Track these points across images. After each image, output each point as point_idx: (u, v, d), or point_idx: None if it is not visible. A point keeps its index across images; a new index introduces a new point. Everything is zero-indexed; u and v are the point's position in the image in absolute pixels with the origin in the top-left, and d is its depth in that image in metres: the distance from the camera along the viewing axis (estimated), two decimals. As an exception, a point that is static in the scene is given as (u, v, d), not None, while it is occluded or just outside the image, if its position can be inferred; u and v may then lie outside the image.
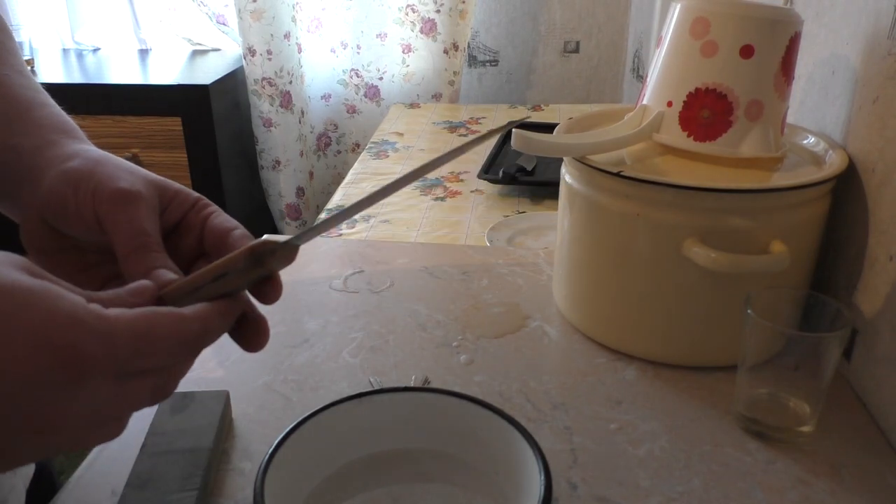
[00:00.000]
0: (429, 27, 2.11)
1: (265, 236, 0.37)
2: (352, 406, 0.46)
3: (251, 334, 0.39)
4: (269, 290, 0.38)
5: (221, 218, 0.42)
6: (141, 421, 0.53)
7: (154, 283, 0.36)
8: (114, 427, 0.33)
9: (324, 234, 1.20)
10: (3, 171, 0.43)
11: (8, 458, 0.30)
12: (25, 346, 0.28)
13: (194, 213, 0.42)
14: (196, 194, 0.43)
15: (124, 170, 0.41)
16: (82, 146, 0.43)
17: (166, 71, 2.10)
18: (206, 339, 0.34)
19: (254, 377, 0.60)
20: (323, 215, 1.29)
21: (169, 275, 0.38)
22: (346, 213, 0.39)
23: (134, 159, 1.95)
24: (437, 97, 2.17)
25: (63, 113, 0.46)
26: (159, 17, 2.32)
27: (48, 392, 0.28)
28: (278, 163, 2.16)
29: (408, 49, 2.16)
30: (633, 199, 0.57)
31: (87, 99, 1.90)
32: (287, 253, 0.36)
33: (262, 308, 0.39)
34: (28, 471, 0.51)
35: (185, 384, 0.58)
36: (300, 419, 0.44)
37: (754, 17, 0.58)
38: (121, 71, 2.11)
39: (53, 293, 0.29)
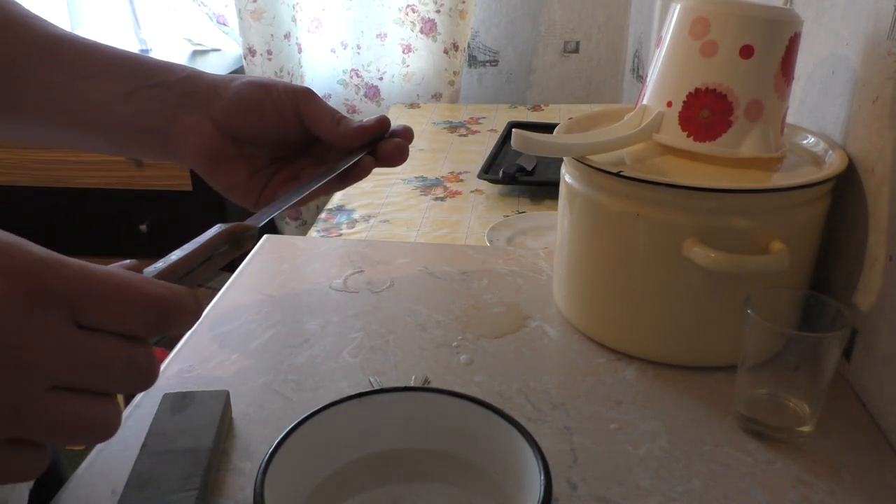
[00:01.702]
0: (429, 27, 2.11)
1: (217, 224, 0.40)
2: (352, 406, 0.46)
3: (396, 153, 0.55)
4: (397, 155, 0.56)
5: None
6: (141, 421, 0.53)
7: (368, 129, 0.54)
8: (99, 406, 0.30)
9: (324, 235, 1.21)
10: (149, 107, 0.51)
11: None
12: None
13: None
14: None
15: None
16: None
17: (166, 71, 2.10)
18: (174, 310, 0.31)
19: (254, 377, 0.60)
20: (323, 215, 1.29)
21: (371, 120, 0.55)
22: (297, 196, 0.49)
23: (135, 158, 1.95)
24: (437, 97, 2.18)
25: None
26: (159, 17, 2.32)
27: (4, 318, 0.27)
28: (278, 163, 2.17)
29: (408, 49, 2.16)
30: (632, 199, 0.57)
31: (87, 99, 1.90)
32: (258, 232, 0.42)
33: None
34: None
35: (185, 384, 0.58)
36: (300, 419, 0.44)
37: (754, 17, 0.58)
38: (121, 71, 2.11)
39: (4, 232, 0.29)
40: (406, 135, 0.57)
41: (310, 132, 0.55)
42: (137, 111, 0.51)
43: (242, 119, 0.52)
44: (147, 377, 0.31)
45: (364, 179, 0.56)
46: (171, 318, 0.31)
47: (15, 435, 0.29)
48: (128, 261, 0.34)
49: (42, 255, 0.29)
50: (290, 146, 0.56)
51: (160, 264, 0.35)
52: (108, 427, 0.31)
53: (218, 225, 0.39)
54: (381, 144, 0.56)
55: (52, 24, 0.52)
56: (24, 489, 0.50)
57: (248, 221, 0.42)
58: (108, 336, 0.30)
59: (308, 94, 0.54)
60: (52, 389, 0.29)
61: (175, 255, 0.36)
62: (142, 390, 0.32)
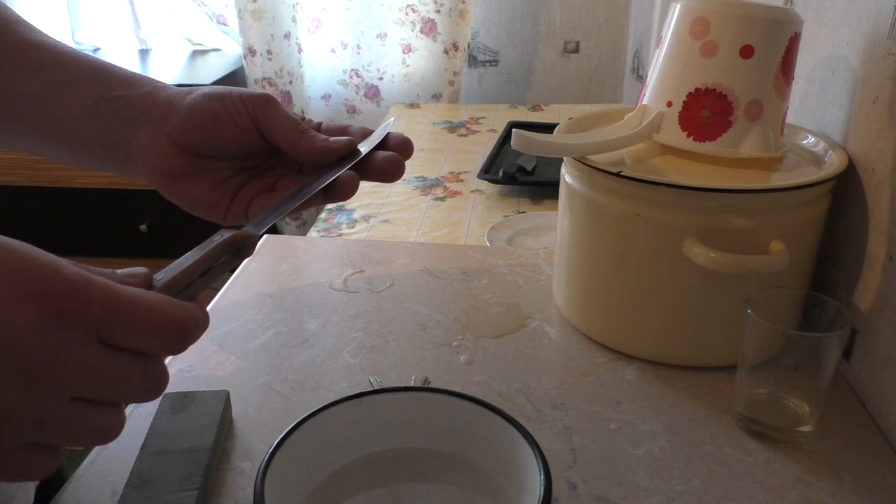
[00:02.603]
0: (429, 27, 2.11)
1: (222, 229, 0.39)
2: (352, 406, 0.46)
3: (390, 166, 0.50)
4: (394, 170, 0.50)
5: (329, 124, 0.53)
6: (141, 421, 0.53)
7: (333, 148, 0.49)
8: (110, 415, 0.32)
9: (324, 235, 1.21)
10: (110, 122, 0.49)
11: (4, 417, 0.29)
12: (8, 296, 0.28)
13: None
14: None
15: None
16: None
17: (166, 71, 2.10)
18: (192, 329, 0.34)
19: (254, 377, 0.60)
20: (323, 215, 1.29)
21: (340, 140, 0.49)
22: (295, 202, 0.47)
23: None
24: (437, 97, 2.18)
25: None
26: (159, 17, 2.32)
27: (31, 338, 0.29)
28: (278, 163, 2.16)
29: (408, 49, 2.16)
30: (632, 199, 0.57)
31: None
32: (257, 240, 0.40)
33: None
34: None
35: (185, 384, 0.58)
36: (300, 419, 0.44)
37: (754, 17, 0.58)
38: (121, 71, 2.11)
39: (31, 247, 0.30)
40: (403, 148, 0.51)
41: (272, 143, 0.51)
42: (98, 125, 0.49)
43: (197, 132, 0.49)
44: (159, 389, 0.34)
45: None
46: (190, 337, 0.34)
47: (34, 440, 0.31)
48: (140, 268, 0.35)
49: (72, 277, 0.30)
50: (255, 157, 0.52)
51: (162, 275, 0.35)
52: (115, 431, 0.33)
53: (222, 230, 0.39)
54: (373, 156, 0.50)
55: (31, 28, 0.51)
56: (30, 487, 0.50)
57: (249, 228, 0.41)
58: (128, 353, 0.32)
59: (266, 101, 0.49)
60: (72, 400, 0.31)
61: (178, 265, 0.36)
62: (152, 399, 0.34)
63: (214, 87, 0.50)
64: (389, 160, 0.50)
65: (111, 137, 0.49)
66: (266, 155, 0.53)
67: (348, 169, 0.49)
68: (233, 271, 0.76)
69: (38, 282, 0.29)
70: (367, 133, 0.52)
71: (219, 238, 0.38)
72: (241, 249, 0.38)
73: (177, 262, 0.36)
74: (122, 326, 0.31)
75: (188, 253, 0.37)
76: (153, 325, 0.32)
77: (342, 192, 0.49)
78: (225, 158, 0.51)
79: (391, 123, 0.54)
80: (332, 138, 0.50)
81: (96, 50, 2.31)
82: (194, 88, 0.50)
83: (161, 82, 0.51)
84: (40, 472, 0.32)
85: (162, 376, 0.34)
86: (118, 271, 0.34)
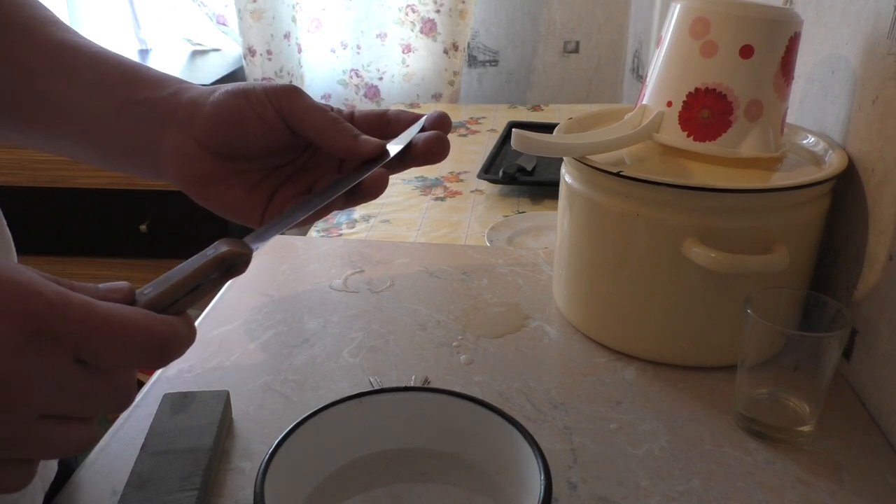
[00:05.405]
0: (429, 27, 2.11)
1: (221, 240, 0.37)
2: (352, 406, 0.46)
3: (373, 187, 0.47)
4: (439, 149, 0.47)
5: (364, 111, 0.50)
6: (141, 421, 0.53)
7: (359, 149, 0.46)
8: (81, 430, 0.32)
9: (324, 235, 1.21)
10: (137, 125, 0.47)
11: None
12: None
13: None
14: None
15: None
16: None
17: (166, 71, 2.10)
18: (174, 345, 0.33)
19: (254, 377, 0.60)
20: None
21: (371, 141, 0.46)
22: (299, 215, 0.44)
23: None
24: (437, 97, 2.18)
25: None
26: (159, 17, 2.32)
27: (5, 356, 0.28)
28: (278, 163, 2.16)
29: (408, 49, 2.16)
30: (632, 199, 0.57)
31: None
32: (250, 257, 0.38)
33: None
34: (49, 474, 0.50)
35: (186, 384, 0.58)
36: (300, 419, 0.44)
37: (754, 17, 0.58)
38: (121, 71, 2.10)
39: (12, 266, 0.30)
40: (441, 125, 0.48)
41: (301, 135, 0.48)
42: (126, 129, 0.48)
43: (223, 132, 0.46)
44: (128, 401, 0.33)
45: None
46: (172, 353, 0.33)
47: (2, 457, 0.30)
48: (122, 283, 0.34)
49: (49, 297, 0.29)
50: (287, 154, 0.50)
51: (149, 290, 0.34)
52: (85, 444, 0.32)
53: (218, 241, 0.37)
54: (412, 141, 0.48)
55: (64, 28, 0.49)
56: (38, 491, 0.50)
57: (246, 241, 0.39)
58: (102, 370, 0.31)
59: (290, 92, 0.46)
60: (41, 418, 0.30)
61: (166, 280, 0.35)
62: (121, 412, 0.33)
63: (238, 83, 0.47)
64: (432, 140, 0.47)
65: (139, 141, 0.48)
66: (299, 150, 0.50)
67: (380, 167, 0.46)
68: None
69: (13, 301, 0.29)
70: (405, 119, 0.49)
71: (212, 252, 0.36)
72: (232, 267, 0.36)
73: (166, 275, 0.35)
74: (101, 344, 0.30)
75: (179, 265, 0.36)
76: (133, 342, 0.31)
77: (368, 191, 0.47)
78: (255, 158, 0.49)
79: (423, 120, 0.50)
80: (361, 136, 0.47)
81: (96, 50, 2.31)
82: (218, 87, 0.48)
83: (189, 83, 0.49)
84: (13, 485, 0.31)
85: (131, 387, 0.33)
86: (100, 286, 0.33)
